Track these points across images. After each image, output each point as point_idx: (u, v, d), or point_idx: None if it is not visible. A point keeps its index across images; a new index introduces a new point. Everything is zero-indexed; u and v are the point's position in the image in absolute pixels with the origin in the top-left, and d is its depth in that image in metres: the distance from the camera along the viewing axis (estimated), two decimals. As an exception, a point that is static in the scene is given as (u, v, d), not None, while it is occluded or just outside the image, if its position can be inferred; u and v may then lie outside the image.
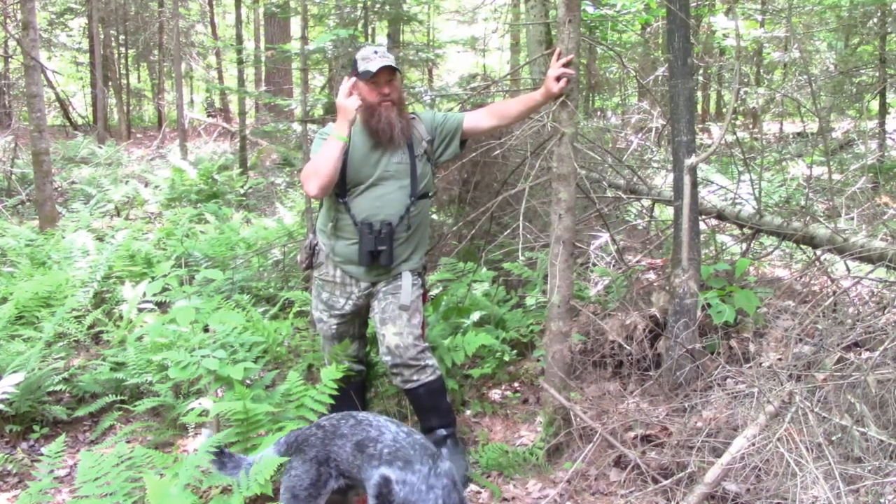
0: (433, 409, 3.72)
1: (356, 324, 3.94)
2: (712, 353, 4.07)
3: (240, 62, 14.08)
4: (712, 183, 7.07)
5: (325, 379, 3.57)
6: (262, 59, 16.25)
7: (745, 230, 5.42)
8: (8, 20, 14.70)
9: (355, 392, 4.00)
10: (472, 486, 3.61)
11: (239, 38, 13.45)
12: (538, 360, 4.67)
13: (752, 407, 3.25)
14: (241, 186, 11.63)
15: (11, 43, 17.47)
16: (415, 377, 3.63)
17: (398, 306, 3.66)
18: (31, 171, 9.41)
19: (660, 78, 7.69)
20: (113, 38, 22.31)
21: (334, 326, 3.86)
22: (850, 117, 11.74)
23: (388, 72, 3.57)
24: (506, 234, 5.67)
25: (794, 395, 3.13)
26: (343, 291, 3.81)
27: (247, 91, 14.46)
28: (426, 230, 3.91)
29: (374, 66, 3.54)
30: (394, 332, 3.62)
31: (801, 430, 3.00)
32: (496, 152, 5.03)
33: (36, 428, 4.29)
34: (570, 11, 3.58)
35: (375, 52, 3.60)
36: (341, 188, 3.64)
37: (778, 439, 2.93)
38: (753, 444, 2.99)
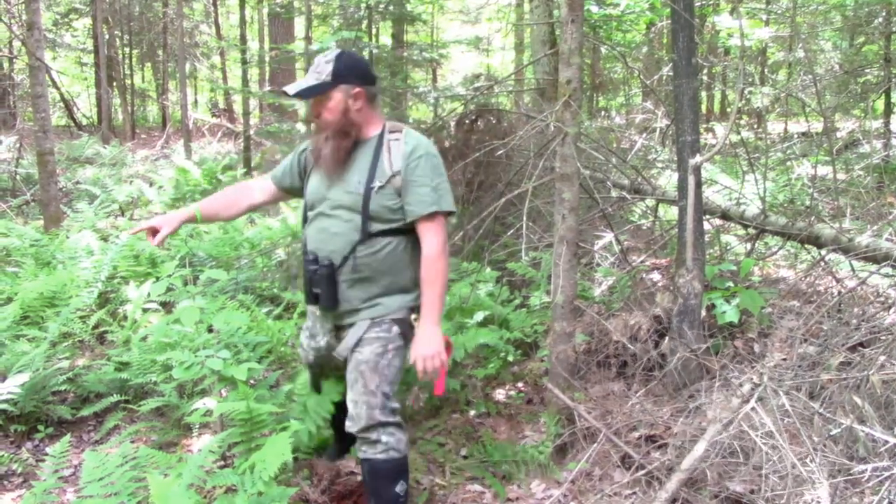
0: (373, 494, 3.10)
1: (334, 363, 3.31)
2: (717, 354, 4.07)
3: (244, 62, 14.11)
4: (717, 183, 7.07)
5: (328, 391, 3.53)
6: (266, 59, 16.31)
7: (750, 230, 5.41)
8: (13, 20, 14.74)
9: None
10: (477, 486, 3.62)
11: (243, 39, 13.49)
12: (542, 361, 4.67)
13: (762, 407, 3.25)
14: (245, 186, 11.63)
15: (16, 43, 17.53)
16: (364, 448, 3.05)
17: (350, 363, 3.08)
18: (35, 172, 9.42)
19: (664, 78, 7.70)
20: (117, 39, 22.40)
21: (311, 356, 3.41)
22: (855, 117, 11.72)
23: (304, 98, 3.07)
24: (509, 234, 5.67)
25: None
26: (322, 325, 3.28)
27: (251, 91, 14.48)
28: (401, 272, 3.09)
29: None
30: (351, 398, 3.05)
31: (808, 429, 2.99)
32: (500, 153, 5.04)
33: (41, 428, 4.30)
34: (574, 11, 3.58)
35: (311, 69, 3.08)
36: (304, 213, 3.21)
37: (789, 441, 2.93)
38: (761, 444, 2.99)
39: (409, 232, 3.04)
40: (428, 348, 2.92)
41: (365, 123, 3.06)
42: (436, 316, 2.96)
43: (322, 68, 3.00)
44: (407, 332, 3.09)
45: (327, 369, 3.48)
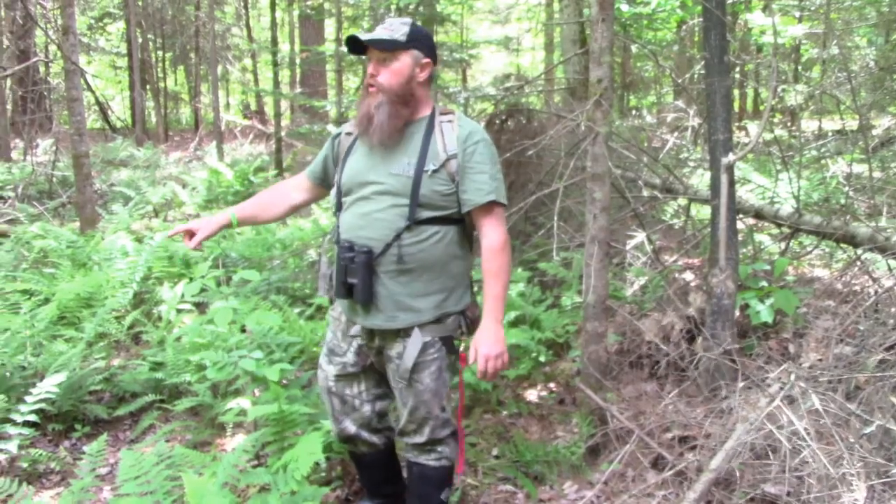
0: (418, 497, 3.05)
1: (363, 383, 3.01)
2: (750, 355, 4.03)
3: (275, 64, 14.23)
4: (750, 181, 7.01)
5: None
6: (297, 61, 16.40)
7: (784, 229, 5.36)
8: (48, 25, 14.96)
9: (376, 467, 3.25)
10: (509, 487, 3.61)
11: (274, 41, 13.57)
12: (574, 361, 4.66)
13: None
14: (277, 188, 11.70)
15: (52, 47, 17.80)
16: (415, 452, 2.99)
17: (402, 384, 2.85)
18: (71, 174, 9.56)
19: (696, 76, 7.64)
20: (150, 42, 22.66)
21: (332, 380, 3.00)
22: (891, 114, 11.54)
23: (372, 48, 2.75)
24: (540, 233, 5.66)
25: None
26: (345, 335, 2.96)
27: (282, 93, 14.57)
28: (445, 266, 2.80)
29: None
30: (410, 418, 2.90)
31: (844, 430, 2.96)
32: (530, 152, 5.03)
33: (78, 426, 4.36)
34: (604, 10, 3.57)
35: (381, 26, 2.81)
36: (338, 199, 2.92)
37: (825, 442, 2.90)
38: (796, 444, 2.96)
39: (457, 223, 2.80)
40: (493, 347, 2.70)
41: (421, 101, 2.82)
42: (500, 313, 2.75)
43: (396, 28, 2.75)
44: (452, 349, 2.86)
45: (346, 398, 3.01)
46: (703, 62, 4.23)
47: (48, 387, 4.00)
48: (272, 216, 3.20)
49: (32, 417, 3.94)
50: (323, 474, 3.57)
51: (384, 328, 2.82)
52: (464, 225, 2.83)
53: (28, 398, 3.97)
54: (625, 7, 9.02)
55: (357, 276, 2.73)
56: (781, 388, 3.24)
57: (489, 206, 2.74)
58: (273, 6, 13.60)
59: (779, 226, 5.44)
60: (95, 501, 3.58)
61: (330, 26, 16.11)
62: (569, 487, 3.58)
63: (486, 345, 2.71)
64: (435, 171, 2.71)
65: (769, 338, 4.32)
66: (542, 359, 4.64)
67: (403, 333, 2.80)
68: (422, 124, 2.80)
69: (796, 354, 3.98)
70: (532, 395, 4.61)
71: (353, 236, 2.78)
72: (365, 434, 3.04)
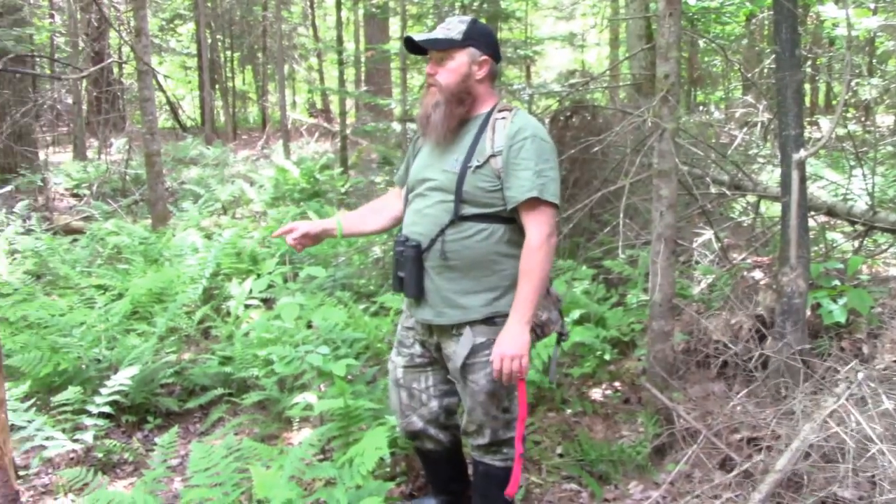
0: (482, 496, 3.05)
1: (431, 377, 3.03)
2: (822, 355, 3.93)
3: (340, 63, 14.31)
4: (822, 178, 6.83)
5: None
6: (362, 59, 16.51)
7: (858, 227, 5.22)
8: (122, 27, 15.35)
9: (441, 464, 3.25)
10: (573, 486, 3.60)
11: (339, 40, 13.68)
12: (639, 360, 4.61)
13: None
14: (342, 185, 11.83)
15: (125, 49, 18.25)
16: (481, 452, 2.98)
17: (461, 384, 2.88)
18: (144, 172, 9.80)
19: (765, 70, 7.48)
20: (219, 43, 23.07)
21: (401, 371, 3.04)
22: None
23: (429, 47, 2.82)
24: (606, 231, 5.61)
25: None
26: (408, 327, 3.04)
27: (347, 91, 14.68)
28: (496, 264, 2.77)
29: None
30: (471, 418, 2.91)
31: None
32: (595, 149, 4.99)
33: (150, 418, 4.48)
34: (671, 5, 3.52)
35: (441, 25, 2.85)
36: (405, 196, 3.00)
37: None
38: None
39: (510, 221, 2.75)
40: (510, 347, 2.64)
41: (480, 98, 2.82)
42: (526, 314, 2.66)
43: (453, 26, 2.78)
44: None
45: (414, 391, 3.03)
46: (773, 56, 4.14)
47: (122, 379, 4.13)
48: (376, 227, 3.20)
49: (107, 409, 4.07)
50: (388, 469, 3.60)
51: (433, 323, 2.85)
52: (517, 224, 2.78)
53: (103, 390, 4.10)
54: (692, 1, 8.87)
55: (405, 269, 2.80)
56: (848, 388, 3.16)
57: (533, 203, 2.68)
58: (339, 5, 13.71)
59: (852, 223, 5.30)
60: (167, 492, 3.67)
61: (394, 24, 16.18)
62: (634, 487, 3.55)
63: (503, 344, 2.67)
64: (479, 167, 2.70)
65: (842, 338, 4.21)
66: (607, 357, 4.61)
67: (457, 331, 2.81)
68: (478, 121, 2.81)
69: (870, 355, 3.88)
70: (597, 393, 4.57)
71: (408, 231, 2.85)
72: (432, 430, 3.05)
